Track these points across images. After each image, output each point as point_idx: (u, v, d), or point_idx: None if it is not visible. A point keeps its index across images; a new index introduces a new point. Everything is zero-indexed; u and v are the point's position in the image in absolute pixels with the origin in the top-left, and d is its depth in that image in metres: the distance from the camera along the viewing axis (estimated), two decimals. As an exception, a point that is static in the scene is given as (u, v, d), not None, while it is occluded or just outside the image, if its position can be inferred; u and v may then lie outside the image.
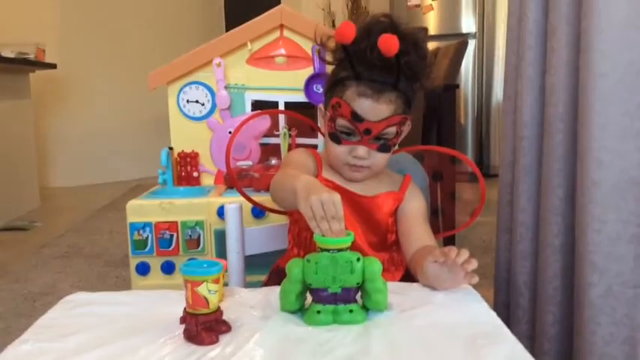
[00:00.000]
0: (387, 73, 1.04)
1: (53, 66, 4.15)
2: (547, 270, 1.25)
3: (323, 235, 0.83)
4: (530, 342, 1.30)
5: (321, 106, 1.19)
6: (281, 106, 1.95)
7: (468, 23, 4.71)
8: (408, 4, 4.71)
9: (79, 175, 4.89)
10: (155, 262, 1.73)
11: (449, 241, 1.13)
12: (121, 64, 4.94)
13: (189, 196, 1.78)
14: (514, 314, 1.36)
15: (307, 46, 1.93)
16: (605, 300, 1.10)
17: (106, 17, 4.94)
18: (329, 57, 1.14)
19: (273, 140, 1.99)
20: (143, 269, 1.72)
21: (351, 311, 0.83)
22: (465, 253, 0.90)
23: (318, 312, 0.83)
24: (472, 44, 4.63)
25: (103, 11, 4.93)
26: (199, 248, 1.73)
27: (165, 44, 4.73)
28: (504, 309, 1.41)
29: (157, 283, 1.72)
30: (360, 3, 4.98)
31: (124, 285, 2.24)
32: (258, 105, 1.96)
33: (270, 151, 1.97)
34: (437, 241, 1.16)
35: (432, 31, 4.65)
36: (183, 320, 0.81)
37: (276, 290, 0.96)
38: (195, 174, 1.96)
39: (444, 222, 1.46)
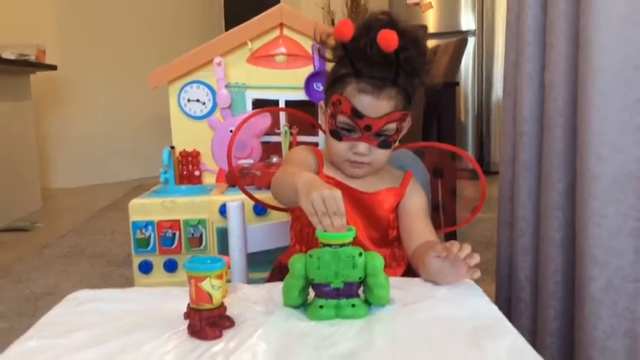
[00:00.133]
0: (387, 69, 1.04)
1: (54, 67, 4.16)
2: (548, 265, 1.25)
3: (325, 231, 0.84)
4: (532, 336, 1.31)
5: (321, 103, 1.19)
6: (282, 105, 1.95)
7: (467, 21, 4.71)
8: (408, 2, 4.72)
9: (80, 175, 4.90)
10: (158, 261, 1.74)
11: (450, 238, 1.13)
12: (121, 65, 4.95)
13: (191, 195, 1.79)
14: (516, 309, 1.37)
15: (307, 45, 1.94)
16: (605, 294, 1.11)
17: (106, 18, 4.95)
18: (329, 54, 1.14)
19: (274, 138, 2.00)
20: (146, 268, 1.73)
21: (353, 306, 0.84)
22: (467, 248, 0.90)
23: (321, 307, 0.84)
24: (472, 42, 4.63)
25: (103, 12, 4.93)
26: (202, 246, 1.74)
27: (165, 45, 4.73)
28: (506, 304, 1.42)
29: (159, 282, 1.73)
30: (360, 1, 4.98)
31: (127, 284, 2.25)
32: (258, 104, 1.96)
33: (271, 149, 1.98)
34: (438, 236, 1.17)
35: (431, 29, 4.65)
36: (187, 316, 0.81)
37: (278, 286, 0.96)
38: (196, 173, 1.96)
39: (445, 218, 1.47)
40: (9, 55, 3.68)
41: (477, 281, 0.95)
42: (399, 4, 4.78)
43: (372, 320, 0.83)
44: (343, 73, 1.09)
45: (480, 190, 1.26)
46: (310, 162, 1.16)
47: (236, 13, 4.41)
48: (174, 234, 1.71)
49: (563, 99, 1.19)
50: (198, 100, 1.97)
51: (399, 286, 0.94)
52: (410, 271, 1.12)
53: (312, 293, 0.87)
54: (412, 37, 1.05)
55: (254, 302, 0.91)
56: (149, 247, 1.72)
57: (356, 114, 1.06)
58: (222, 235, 1.68)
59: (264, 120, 1.95)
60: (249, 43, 1.94)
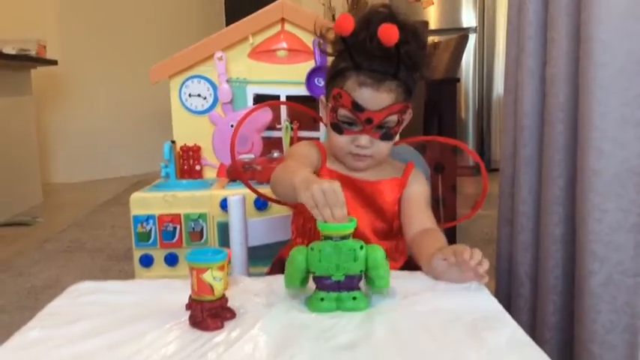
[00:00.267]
0: (387, 62, 1.05)
1: (54, 62, 4.16)
2: (548, 260, 1.26)
3: (326, 222, 0.84)
4: (532, 331, 1.31)
5: (322, 97, 1.20)
6: (283, 99, 1.95)
7: (468, 17, 4.71)
8: (409, -2, 4.72)
9: (80, 170, 4.90)
10: (159, 255, 1.74)
11: (450, 234, 1.14)
12: (122, 60, 4.95)
13: (192, 189, 1.79)
14: (515, 304, 1.37)
15: (308, 40, 1.94)
16: (605, 288, 1.11)
17: (106, 13, 4.95)
18: (329, 49, 1.14)
19: (275, 133, 2.00)
20: (147, 261, 1.73)
21: (354, 298, 0.84)
22: (478, 255, 0.90)
23: (322, 299, 0.84)
24: (473, 38, 4.63)
25: (104, 7, 4.93)
26: (202, 240, 1.74)
27: (165, 40, 4.73)
28: (505, 299, 1.42)
29: (160, 275, 1.73)
30: (361, -2, 4.98)
31: (127, 278, 2.22)
32: (259, 99, 1.96)
33: (272, 144, 1.98)
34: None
35: (432, 26, 4.65)
36: (188, 307, 0.82)
37: (279, 279, 0.97)
38: (197, 167, 1.96)
39: (445, 213, 1.47)
40: (10, 50, 3.68)
41: (477, 276, 0.95)
42: (400, 0, 4.78)
43: (372, 312, 0.84)
44: (343, 67, 1.09)
45: (481, 187, 1.26)
46: (313, 156, 1.16)
47: (237, 8, 4.40)
48: (175, 228, 1.72)
49: (565, 94, 1.20)
50: (199, 95, 1.97)
51: (400, 279, 0.94)
52: (410, 262, 1.13)
53: (312, 285, 0.87)
54: (412, 30, 1.06)
55: (255, 294, 0.91)
56: (150, 241, 1.72)
57: (357, 107, 1.07)
58: (223, 229, 1.68)
59: (266, 115, 1.95)
60: (250, 37, 1.94)
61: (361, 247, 0.84)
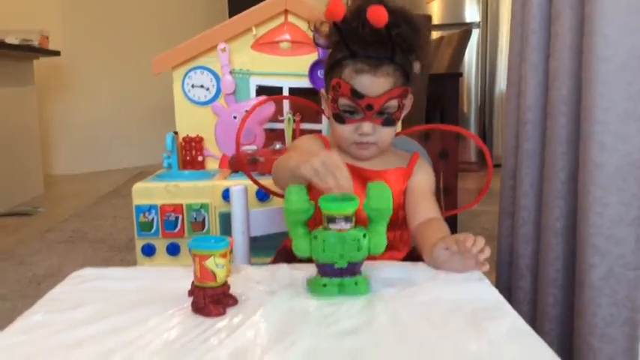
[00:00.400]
0: (382, 47, 1.05)
1: (57, 53, 4.16)
2: (549, 253, 1.26)
3: (327, 197, 0.85)
4: (531, 323, 1.30)
5: (322, 91, 1.20)
6: (285, 92, 1.96)
7: (471, 12, 4.71)
8: (412, -7, 4.71)
9: (82, 162, 4.91)
10: (161, 244, 1.75)
11: (451, 225, 1.14)
12: (125, 52, 4.95)
13: (195, 180, 1.80)
14: (515, 296, 1.38)
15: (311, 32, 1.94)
16: (606, 282, 1.12)
17: (109, 4, 4.94)
18: (324, 42, 1.15)
19: (277, 126, 2.00)
20: (149, 251, 1.74)
21: (356, 283, 0.85)
22: (480, 242, 0.90)
23: (324, 285, 0.85)
24: (476, 34, 4.62)
25: (107, -1, 4.93)
26: (204, 230, 1.75)
27: (168, 31, 4.73)
28: (506, 292, 1.42)
29: (162, 265, 1.74)
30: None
31: (129, 268, 2.26)
32: (262, 90, 1.96)
33: (274, 136, 1.98)
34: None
35: (435, 21, 4.64)
36: (191, 293, 0.82)
37: (281, 267, 0.98)
38: (200, 158, 1.97)
39: (447, 203, 1.47)
40: (12, 40, 3.68)
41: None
42: (403, -5, 4.77)
43: (373, 300, 0.84)
44: (340, 57, 1.10)
45: (482, 183, 1.26)
46: (315, 149, 1.17)
47: (239, 1, 4.40)
48: (177, 218, 1.72)
49: (567, 87, 1.20)
50: (202, 86, 1.97)
51: (401, 269, 0.95)
52: (414, 252, 1.13)
53: (314, 271, 0.88)
54: (402, 13, 1.06)
55: (257, 282, 0.91)
56: (152, 231, 1.73)
57: (356, 94, 1.07)
58: (225, 219, 1.69)
59: (268, 107, 1.95)
60: (253, 29, 1.94)
61: (364, 236, 0.85)
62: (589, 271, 1.13)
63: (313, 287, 0.86)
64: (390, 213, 0.87)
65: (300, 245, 0.87)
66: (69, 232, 3.11)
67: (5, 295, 2.22)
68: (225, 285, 0.83)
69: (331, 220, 0.84)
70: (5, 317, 1.90)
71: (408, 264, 1.01)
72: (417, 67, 1.15)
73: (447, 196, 1.48)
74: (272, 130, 2.01)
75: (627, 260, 1.10)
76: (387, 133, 1.12)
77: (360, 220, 0.87)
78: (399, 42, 1.05)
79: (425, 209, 1.13)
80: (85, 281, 0.95)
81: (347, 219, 0.84)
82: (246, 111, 1.39)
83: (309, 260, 0.88)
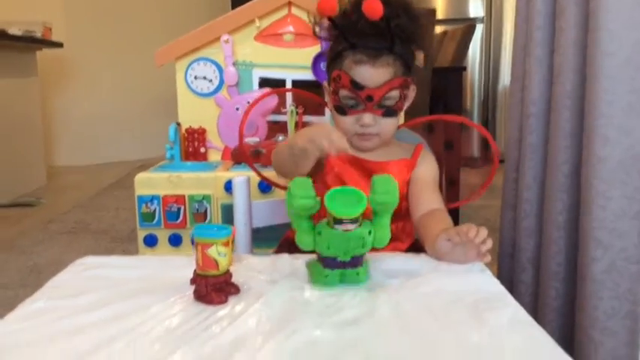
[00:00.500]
0: (381, 39, 1.05)
1: (60, 45, 4.15)
2: (551, 246, 1.26)
3: (334, 195, 0.84)
4: (533, 315, 1.31)
5: (325, 83, 1.20)
6: (288, 84, 1.95)
7: (475, 7, 4.69)
8: (416, -13, 4.69)
9: (84, 154, 4.91)
10: (163, 235, 1.75)
11: (453, 218, 1.13)
12: (128, 44, 4.94)
13: (197, 171, 1.80)
14: (517, 290, 1.38)
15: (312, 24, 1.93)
16: (608, 275, 1.11)
17: (112, -4, 4.94)
18: (325, 34, 1.15)
19: (280, 118, 2.00)
20: (151, 241, 1.74)
21: (357, 274, 0.85)
22: (483, 233, 0.90)
23: (326, 276, 0.85)
24: (480, 29, 4.61)
25: (110, -10, 4.92)
26: (206, 221, 1.75)
27: (171, 24, 4.71)
28: (507, 285, 1.40)
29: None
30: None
31: (131, 259, 2.26)
32: (265, 82, 1.96)
33: (277, 128, 1.98)
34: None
35: (439, 16, 4.63)
36: (193, 281, 0.82)
37: (283, 257, 0.98)
38: (202, 150, 1.97)
39: (450, 195, 1.47)
40: (15, 31, 3.68)
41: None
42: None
43: (375, 291, 0.84)
44: (340, 49, 1.10)
45: (484, 178, 1.26)
46: None
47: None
48: (179, 208, 1.72)
49: (572, 82, 1.19)
50: (205, 78, 1.97)
51: (403, 260, 0.95)
52: (417, 244, 1.13)
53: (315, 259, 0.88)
54: (401, 4, 1.06)
55: (258, 271, 0.91)
56: (154, 221, 1.73)
57: (356, 85, 1.07)
58: (227, 211, 1.69)
59: (271, 99, 1.95)
60: (257, 20, 1.93)
61: (369, 232, 0.84)
62: (591, 264, 1.13)
63: (315, 277, 0.86)
64: (395, 206, 0.86)
65: (303, 239, 0.86)
66: (71, 223, 3.11)
67: (7, 284, 2.23)
68: (227, 273, 0.83)
69: (337, 221, 0.83)
70: (7, 306, 1.90)
71: (410, 255, 1.01)
72: (420, 58, 1.15)
73: (450, 188, 1.47)
74: (275, 123, 2.01)
75: (630, 254, 1.10)
76: (388, 124, 1.12)
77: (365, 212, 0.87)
78: (397, 32, 1.05)
79: (428, 200, 1.12)
80: (87, 269, 0.95)
81: (353, 220, 0.83)
82: (249, 103, 1.39)
83: (312, 252, 0.88)
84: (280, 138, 1.88)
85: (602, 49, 1.08)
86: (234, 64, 1.95)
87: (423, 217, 1.09)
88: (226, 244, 0.81)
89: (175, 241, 1.74)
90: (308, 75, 1.93)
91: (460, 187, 1.96)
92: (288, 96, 1.97)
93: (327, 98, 1.22)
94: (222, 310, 0.77)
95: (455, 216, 2.06)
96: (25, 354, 0.66)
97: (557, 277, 1.25)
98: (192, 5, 5.34)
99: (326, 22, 1.12)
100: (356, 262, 0.85)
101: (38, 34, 3.91)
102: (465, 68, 3.37)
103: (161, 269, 0.94)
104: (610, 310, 1.12)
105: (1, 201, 3.49)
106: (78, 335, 0.71)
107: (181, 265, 0.91)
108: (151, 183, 1.74)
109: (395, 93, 1.09)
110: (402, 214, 1.16)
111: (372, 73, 1.07)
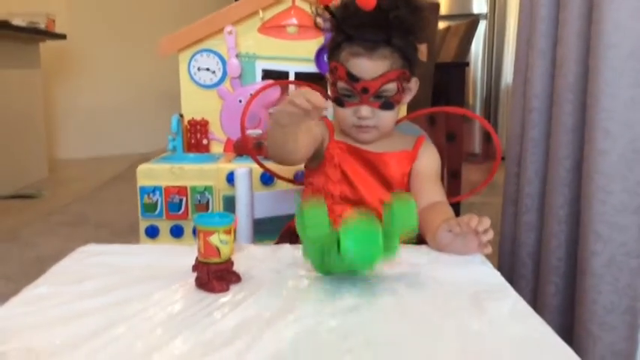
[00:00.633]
0: (379, 30, 1.05)
1: (63, 37, 4.15)
2: (551, 241, 1.26)
3: (351, 235, 0.78)
4: (532, 309, 1.32)
5: (327, 74, 1.21)
6: (291, 76, 1.95)
7: (479, 4, 4.68)
8: (420, -17, 4.68)
9: (86, 147, 4.92)
10: (164, 226, 1.75)
11: (454, 207, 1.14)
12: (131, 37, 4.94)
13: (199, 162, 1.80)
14: (517, 284, 1.38)
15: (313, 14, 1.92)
16: (607, 269, 1.12)
17: (116, -11, 4.93)
18: (326, 26, 1.15)
19: (282, 110, 1.99)
20: (152, 232, 1.74)
21: None
22: (486, 222, 0.90)
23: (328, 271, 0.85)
24: (483, 25, 4.60)
25: (114, -18, 4.92)
26: (208, 213, 1.75)
27: (174, 16, 4.70)
28: (507, 280, 1.41)
29: (165, 247, 1.74)
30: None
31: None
32: (268, 74, 1.96)
33: (279, 121, 1.97)
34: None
35: (442, 11, 4.60)
36: (194, 268, 0.83)
37: (284, 247, 0.98)
38: (204, 141, 1.96)
39: (451, 189, 1.47)
40: (19, 22, 3.68)
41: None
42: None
43: (376, 280, 0.84)
44: (339, 41, 1.10)
45: (485, 174, 1.26)
46: (317, 131, 1.17)
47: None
48: (181, 200, 1.73)
49: (574, 74, 1.19)
50: (208, 69, 1.96)
51: (404, 251, 0.94)
52: (417, 235, 1.13)
53: None
54: None
55: (260, 260, 0.92)
56: (156, 212, 1.73)
57: (351, 77, 1.08)
58: (229, 202, 1.69)
59: (274, 91, 1.94)
60: (260, 12, 1.93)
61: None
62: (591, 258, 1.13)
63: (318, 266, 0.85)
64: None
65: (312, 258, 0.84)
66: (72, 216, 3.12)
67: (9, 275, 2.23)
68: (229, 261, 0.83)
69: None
70: (8, 296, 1.91)
71: (410, 246, 1.01)
72: (423, 51, 1.15)
73: (452, 181, 1.47)
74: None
75: (630, 248, 1.10)
76: (386, 117, 1.12)
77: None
78: (396, 24, 1.04)
79: (430, 192, 1.13)
80: (89, 256, 0.96)
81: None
82: (251, 95, 1.39)
83: None
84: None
85: (606, 41, 1.08)
86: (237, 55, 1.94)
87: (424, 210, 1.09)
88: (228, 232, 0.82)
89: (177, 232, 1.75)
90: (311, 67, 1.93)
91: (462, 176, 1.95)
92: (291, 88, 1.96)
93: (329, 90, 1.22)
94: (224, 298, 0.77)
95: (456, 211, 2.06)
96: (26, 337, 0.67)
97: (557, 271, 1.26)
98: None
99: (327, 14, 1.12)
100: None
101: (42, 26, 3.91)
102: (467, 64, 3.36)
103: (163, 257, 0.95)
104: (609, 304, 1.12)
105: (2, 192, 3.49)
106: (79, 320, 0.71)
107: (183, 253, 0.92)
108: (153, 174, 1.74)
109: (392, 85, 1.09)
110: None
111: (368, 65, 1.07)
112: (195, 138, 1.96)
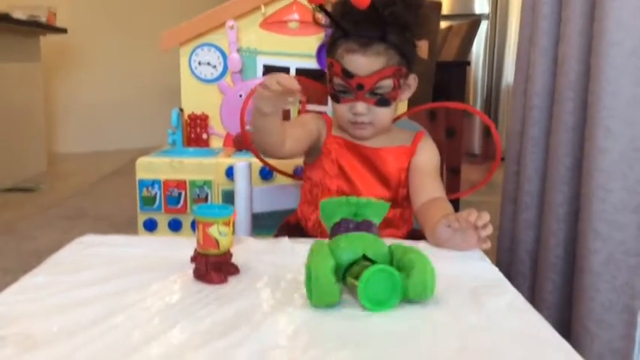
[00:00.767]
0: (374, 26, 1.05)
1: (64, 30, 4.15)
2: (550, 238, 1.26)
3: (368, 282, 0.71)
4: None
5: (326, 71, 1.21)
6: (292, 72, 1.95)
7: (481, 4, 4.68)
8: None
9: (85, 141, 4.92)
10: (163, 219, 1.75)
11: (454, 204, 1.13)
12: (131, 31, 4.93)
13: (199, 156, 1.80)
14: (515, 282, 1.37)
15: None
16: (606, 267, 1.12)
17: (117, -17, 4.93)
18: (325, 22, 1.15)
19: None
20: (151, 225, 1.74)
21: None
22: (485, 217, 0.90)
23: None
24: (484, 25, 4.60)
25: (115, -23, 4.91)
26: (206, 208, 1.75)
27: (175, 11, 4.69)
28: (505, 277, 1.42)
29: (163, 241, 1.74)
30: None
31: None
32: (269, 70, 1.95)
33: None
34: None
35: (444, 11, 4.60)
36: (193, 259, 0.82)
37: (283, 240, 0.98)
38: (204, 136, 1.96)
39: (451, 186, 1.47)
40: (20, 15, 3.67)
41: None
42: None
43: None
44: (335, 37, 1.11)
45: (484, 175, 1.26)
46: (312, 126, 1.17)
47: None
48: (180, 193, 1.72)
49: (575, 72, 1.19)
50: (209, 64, 1.96)
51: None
52: (415, 231, 1.13)
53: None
54: None
55: (258, 253, 0.92)
56: (155, 206, 1.73)
57: (346, 74, 1.08)
58: (228, 197, 1.69)
59: (274, 87, 1.94)
60: (262, 7, 1.92)
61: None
62: (589, 256, 1.13)
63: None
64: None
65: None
66: (70, 209, 3.11)
67: (7, 268, 2.23)
68: (228, 253, 0.83)
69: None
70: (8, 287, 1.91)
71: (408, 242, 1.01)
72: (424, 48, 1.14)
73: (451, 177, 1.47)
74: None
75: (629, 247, 1.10)
76: (382, 113, 1.11)
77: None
78: (391, 20, 1.04)
79: (429, 188, 1.12)
80: (87, 247, 0.96)
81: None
82: (252, 90, 1.39)
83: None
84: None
85: (608, 39, 1.08)
86: (238, 50, 1.94)
87: (423, 206, 1.09)
88: (227, 224, 0.82)
89: (175, 226, 1.74)
90: (312, 63, 1.92)
91: (461, 172, 1.94)
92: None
93: (328, 86, 1.22)
94: (222, 289, 0.77)
95: (455, 209, 2.06)
96: (24, 324, 0.66)
97: (555, 269, 1.26)
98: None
99: (323, 12, 1.11)
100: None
101: (42, 19, 3.91)
102: (469, 63, 3.36)
103: (162, 248, 0.95)
104: (607, 302, 1.12)
105: (1, 185, 3.49)
106: (77, 308, 0.71)
107: (182, 245, 0.91)
108: (153, 167, 1.73)
109: (387, 82, 1.08)
110: (398, 201, 1.16)
111: (363, 62, 1.07)
112: (195, 132, 1.95)
